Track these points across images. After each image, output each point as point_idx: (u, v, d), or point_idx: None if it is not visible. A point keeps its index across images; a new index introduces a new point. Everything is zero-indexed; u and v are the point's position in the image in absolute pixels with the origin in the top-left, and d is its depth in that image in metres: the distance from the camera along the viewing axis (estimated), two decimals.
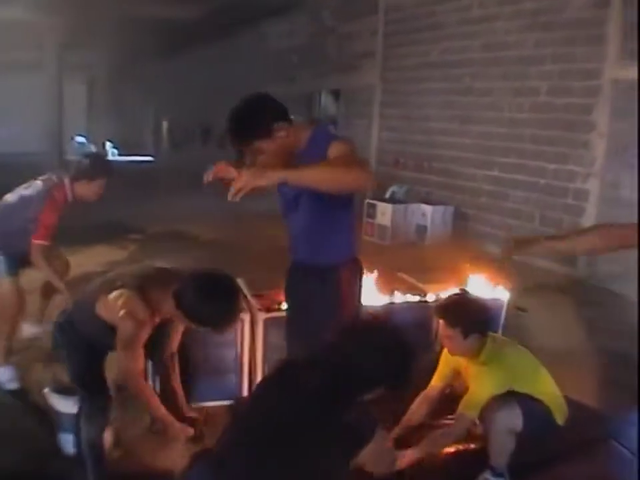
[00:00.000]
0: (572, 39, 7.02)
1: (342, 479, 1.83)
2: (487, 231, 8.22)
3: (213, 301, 2.39)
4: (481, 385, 2.62)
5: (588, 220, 6.92)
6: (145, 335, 2.46)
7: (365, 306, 2.97)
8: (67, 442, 2.82)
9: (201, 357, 3.19)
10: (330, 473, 1.77)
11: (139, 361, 2.49)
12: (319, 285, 2.47)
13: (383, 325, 2.22)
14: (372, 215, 8.67)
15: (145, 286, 2.49)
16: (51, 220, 3.56)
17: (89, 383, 2.66)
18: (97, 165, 3.82)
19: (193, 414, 2.95)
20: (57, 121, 17.30)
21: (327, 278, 2.47)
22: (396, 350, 1.92)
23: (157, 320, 2.52)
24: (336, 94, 12.49)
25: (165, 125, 25.67)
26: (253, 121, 2.32)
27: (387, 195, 9.21)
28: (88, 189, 3.71)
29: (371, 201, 8.75)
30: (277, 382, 1.95)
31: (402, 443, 2.75)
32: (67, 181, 3.68)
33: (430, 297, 3.70)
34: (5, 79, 25.80)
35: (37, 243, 3.49)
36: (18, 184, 3.83)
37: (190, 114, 21.34)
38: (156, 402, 2.64)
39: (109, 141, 27.56)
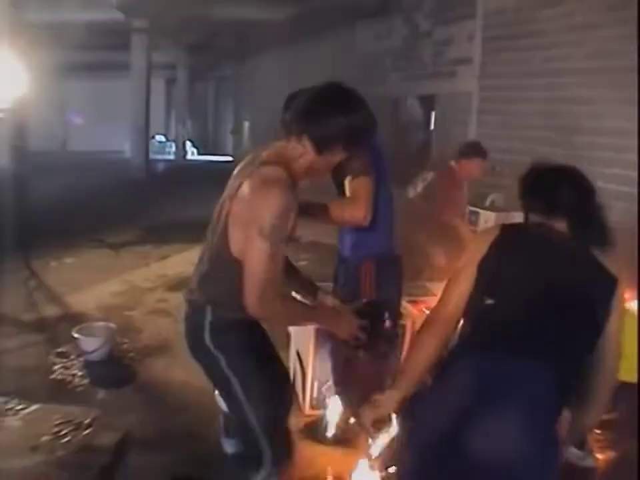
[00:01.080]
0: None
1: None
2: None
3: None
4: None
5: None
6: None
7: None
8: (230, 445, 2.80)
9: None
10: None
11: None
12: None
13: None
14: (475, 222, 8.68)
15: None
16: None
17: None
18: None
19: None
20: (144, 121, 17.89)
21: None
22: None
23: None
24: (423, 99, 12.56)
25: (246, 125, 26.16)
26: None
27: (487, 203, 9.21)
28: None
29: (473, 209, 8.77)
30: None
31: None
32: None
33: None
34: (94, 80, 26.94)
35: None
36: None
37: (273, 115, 21.70)
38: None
39: (189, 140, 28.24)
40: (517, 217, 8.04)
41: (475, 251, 2.05)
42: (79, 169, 17.39)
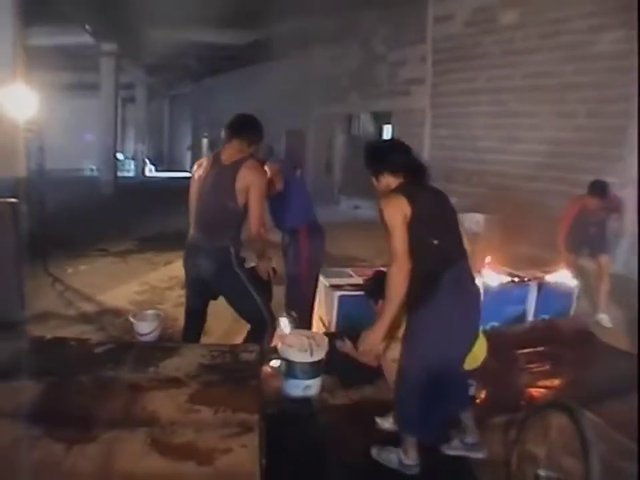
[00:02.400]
0: (606, 68, 8.23)
1: None
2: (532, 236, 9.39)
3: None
4: None
5: (625, 223, 8.08)
6: None
7: None
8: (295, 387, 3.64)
9: None
10: None
11: None
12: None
13: None
14: None
15: None
16: None
17: None
18: None
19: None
20: (112, 139, 18.59)
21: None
22: None
23: None
24: (377, 115, 13.79)
25: (205, 141, 26.88)
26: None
27: None
28: None
29: None
30: None
31: None
32: None
33: None
34: (66, 99, 27.21)
35: None
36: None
37: None
38: None
39: (147, 158, 28.68)
40: (469, 217, 9.13)
41: (402, 213, 2.74)
42: (53, 186, 17.78)
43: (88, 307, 6.13)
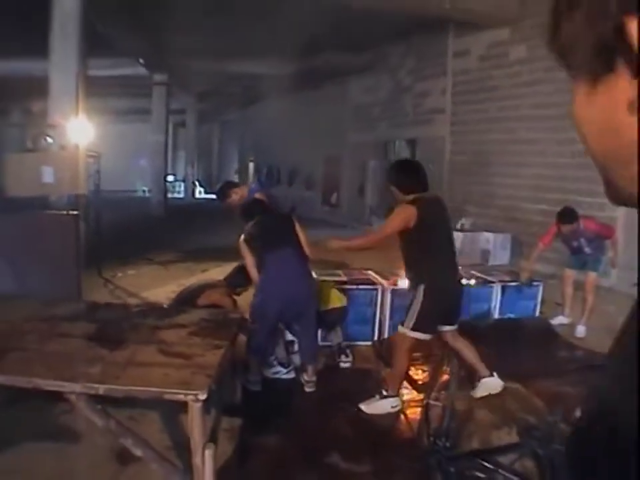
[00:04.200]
0: None
1: None
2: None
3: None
4: None
5: (618, 240, 8.82)
6: None
7: None
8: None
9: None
10: None
11: None
12: None
13: None
14: None
15: None
16: None
17: None
18: None
19: None
20: (162, 162, 20.17)
21: None
22: None
23: None
24: (410, 142, 14.81)
25: (251, 166, 28.35)
26: None
27: (458, 226, 11.28)
28: None
29: None
30: None
31: None
32: None
33: None
34: (122, 123, 29.09)
35: None
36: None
37: (275, 157, 24.00)
38: None
39: (197, 180, 30.06)
40: (480, 237, 10.09)
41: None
42: (109, 205, 19.38)
43: (132, 301, 7.31)
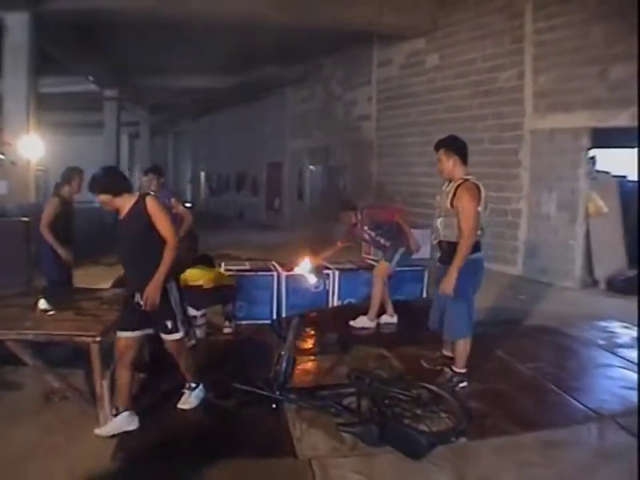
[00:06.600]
0: (502, 101, 9.90)
1: None
2: None
3: None
4: None
5: (522, 231, 9.67)
6: None
7: None
8: None
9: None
10: None
11: None
12: None
13: None
14: None
15: None
16: None
17: None
18: None
19: None
20: None
21: None
22: None
23: None
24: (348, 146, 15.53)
25: (202, 174, 28.87)
26: None
27: None
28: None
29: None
30: None
31: None
32: None
33: None
34: (75, 135, 29.42)
35: None
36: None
37: (224, 165, 24.60)
38: None
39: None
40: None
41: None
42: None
43: None
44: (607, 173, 9.53)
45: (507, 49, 9.82)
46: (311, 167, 17.10)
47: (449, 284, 4.18)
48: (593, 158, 8.97)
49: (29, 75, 10.34)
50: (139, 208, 3.66)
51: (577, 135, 8.73)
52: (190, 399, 4.03)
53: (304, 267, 6.39)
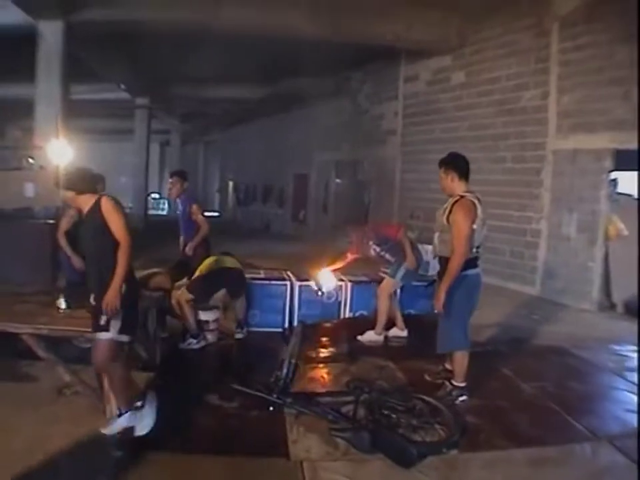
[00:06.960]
0: (525, 121, 9.91)
1: None
2: None
3: None
4: None
5: (541, 251, 9.63)
6: None
7: None
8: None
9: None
10: None
11: None
12: None
13: None
14: None
15: None
16: None
17: None
18: None
19: None
20: (143, 180, 21.08)
21: None
22: None
23: None
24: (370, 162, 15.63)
25: (230, 184, 29.18)
26: None
27: None
28: None
29: None
30: None
31: None
32: None
33: None
34: (104, 142, 30.03)
35: None
36: None
37: (252, 176, 24.86)
38: None
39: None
40: (421, 249, 10.75)
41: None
42: None
43: None
44: (628, 195, 9.46)
45: (532, 67, 9.83)
46: (337, 180, 17.22)
47: (438, 300, 4.29)
48: (614, 180, 8.92)
49: (61, 81, 10.77)
50: (96, 208, 3.61)
51: (599, 156, 8.68)
52: (112, 425, 3.63)
53: (318, 278, 6.48)
